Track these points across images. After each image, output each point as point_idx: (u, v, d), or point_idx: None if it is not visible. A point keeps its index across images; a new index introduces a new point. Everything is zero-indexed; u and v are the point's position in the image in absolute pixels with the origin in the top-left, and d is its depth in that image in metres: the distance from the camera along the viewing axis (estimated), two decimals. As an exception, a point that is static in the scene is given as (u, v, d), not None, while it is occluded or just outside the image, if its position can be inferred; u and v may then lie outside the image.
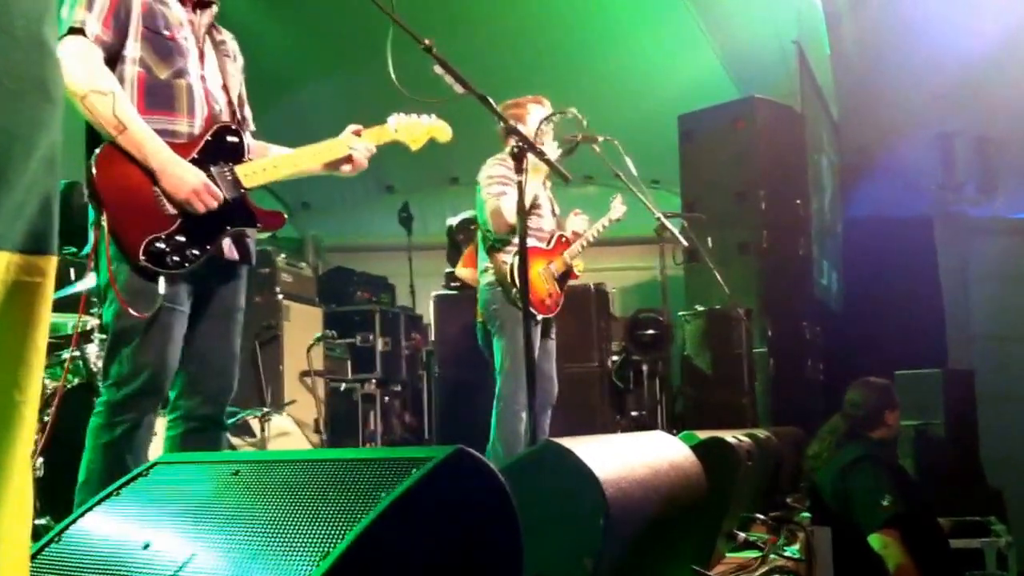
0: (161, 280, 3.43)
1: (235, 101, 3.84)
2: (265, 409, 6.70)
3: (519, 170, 4.30)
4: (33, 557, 2.12)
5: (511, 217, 5.83)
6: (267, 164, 3.74)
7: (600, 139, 5.89)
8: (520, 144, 4.28)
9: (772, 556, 4.17)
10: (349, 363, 9.73)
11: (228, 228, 3.62)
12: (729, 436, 4.17)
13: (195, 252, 3.49)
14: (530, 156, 4.59)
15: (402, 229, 10.99)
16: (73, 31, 3.38)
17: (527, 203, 4.58)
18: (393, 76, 3.77)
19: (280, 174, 3.80)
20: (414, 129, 4.12)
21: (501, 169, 6.04)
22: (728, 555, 4.18)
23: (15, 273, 1.51)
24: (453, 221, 9.31)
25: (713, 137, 9.21)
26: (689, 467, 3.26)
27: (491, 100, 4.04)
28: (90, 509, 2.32)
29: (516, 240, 5.86)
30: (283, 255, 9.07)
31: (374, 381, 9.68)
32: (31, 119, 1.54)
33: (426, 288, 9.90)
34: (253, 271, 3.98)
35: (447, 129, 4.23)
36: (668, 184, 10.72)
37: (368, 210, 13.63)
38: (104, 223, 3.34)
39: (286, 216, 3.90)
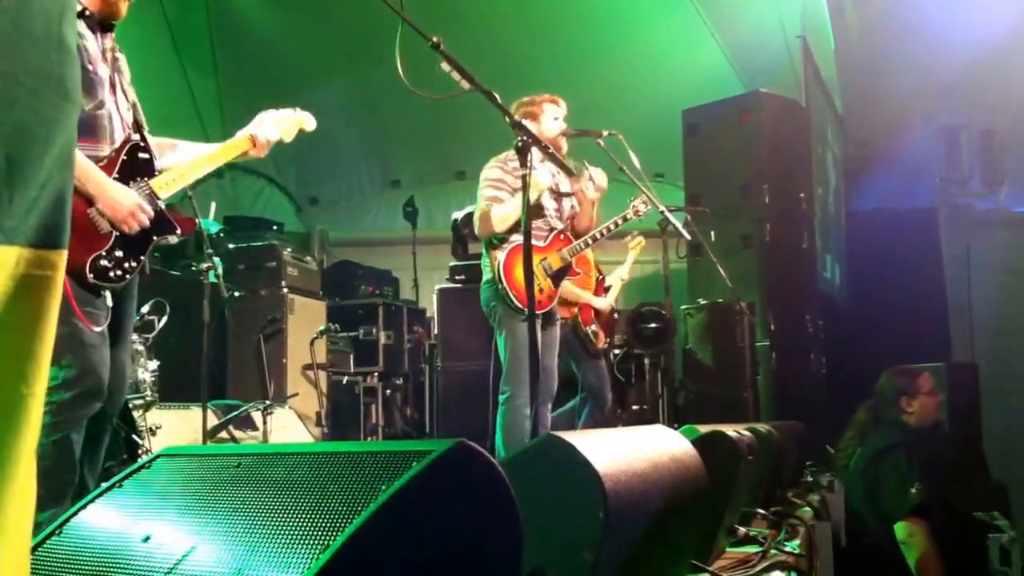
0: (108, 294, 3.69)
1: (134, 113, 3.96)
2: (267, 402, 6.70)
3: (523, 164, 4.29)
4: (34, 550, 2.12)
5: (497, 226, 5.94)
6: (176, 174, 3.96)
7: (605, 133, 5.86)
8: (524, 139, 4.27)
9: (773, 551, 4.17)
10: (352, 356, 9.75)
11: (155, 238, 3.85)
12: (730, 430, 4.15)
13: (132, 264, 3.73)
14: (534, 176, 4.62)
15: (407, 223, 11.00)
16: None
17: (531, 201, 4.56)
18: (401, 73, 3.80)
19: (190, 179, 4.02)
20: (285, 123, 4.31)
21: (498, 172, 6.05)
22: (729, 549, 4.17)
23: (25, 267, 1.52)
24: (458, 215, 9.30)
25: (717, 131, 9.21)
26: (690, 461, 3.23)
27: (497, 96, 4.04)
28: (91, 501, 2.33)
29: (512, 237, 5.91)
30: (289, 249, 9.08)
31: (376, 374, 9.70)
32: (49, 116, 1.56)
33: (430, 282, 9.93)
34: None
35: (311, 119, 4.41)
36: (672, 178, 10.72)
37: (374, 204, 13.67)
38: None
39: (197, 221, 4.26)
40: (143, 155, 3.85)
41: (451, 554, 2.01)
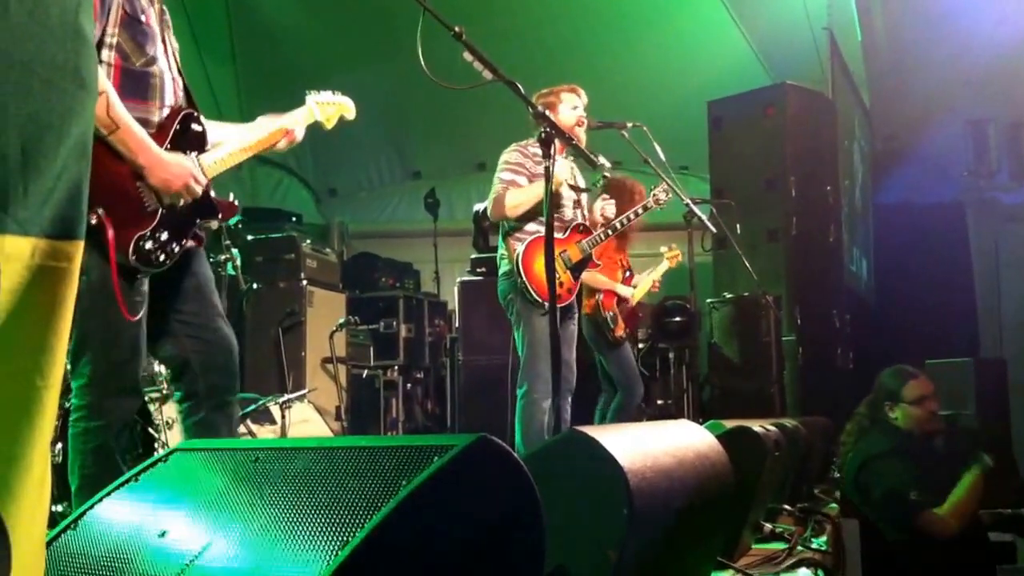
0: (146, 280, 3.44)
1: (186, 85, 3.74)
2: (286, 396, 6.67)
3: (547, 155, 4.24)
4: (49, 544, 2.11)
5: (509, 211, 5.86)
6: (225, 156, 3.71)
7: (629, 125, 5.86)
8: (547, 129, 4.22)
9: (799, 548, 4.12)
10: (372, 349, 9.70)
11: (197, 220, 3.61)
12: (756, 425, 4.12)
13: (175, 247, 3.48)
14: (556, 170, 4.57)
15: (428, 215, 10.96)
16: None
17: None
18: (423, 63, 3.73)
19: (233, 162, 3.76)
20: (329, 108, 4.13)
21: (518, 156, 5.99)
22: (754, 546, 4.13)
23: (40, 258, 1.51)
24: (480, 207, 9.28)
25: (743, 123, 9.16)
26: (715, 457, 3.21)
27: (520, 86, 3.98)
28: (107, 495, 2.31)
29: (528, 227, 5.85)
30: (308, 241, 9.04)
31: (396, 368, 9.66)
32: (64, 107, 1.55)
33: (451, 274, 9.89)
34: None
35: (351, 105, 4.21)
36: (697, 170, 10.67)
37: (395, 196, 13.68)
38: (92, 220, 3.21)
39: (238, 204, 3.89)
40: (196, 127, 3.61)
41: (472, 551, 1.99)
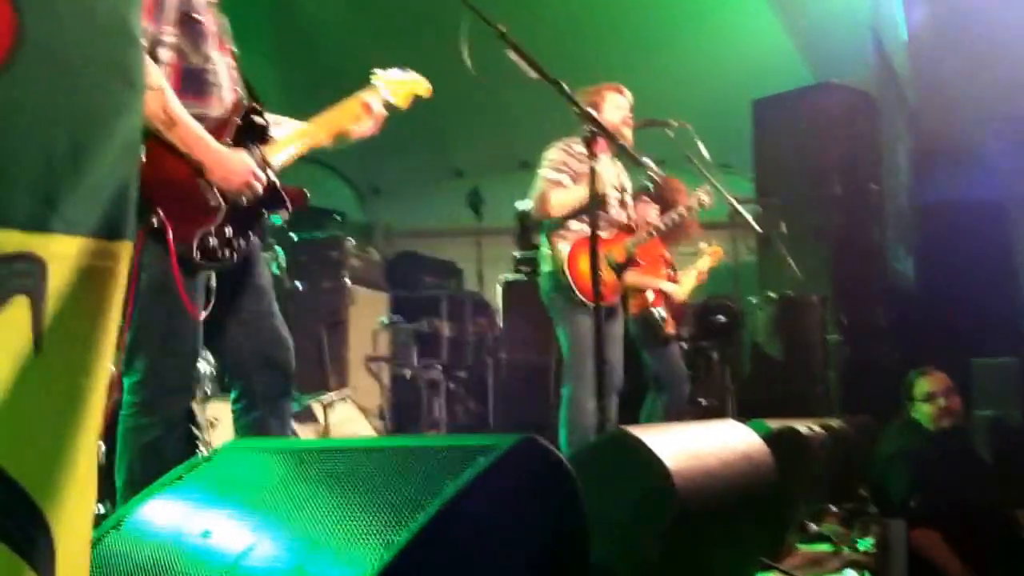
0: (212, 275, 3.43)
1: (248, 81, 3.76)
2: (329, 396, 6.67)
3: (592, 155, 4.22)
4: (94, 545, 2.10)
5: (554, 210, 5.83)
6: (287, 142, 3.71)
7: (674, 124, 5.85)
8: (592, 129, 4.21)
9: (845, 549, 4.10)
10: (415, 349, 9.66)
11: (265, 212, 3.60)
12: (802, 426, 4.11)
13: (241, 242, 3.48)
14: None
15: (471, 213, 10.93)
16: None
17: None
18: (467, 61, 3.77)
19: (300, 150, 3.74)
20: (399, 87, 4.06)
21: (562, 155, 5.96)
22: (799, 547, 4.11)
23: (88, 258, 1.51)
24: (522, 205, 9.25)
25: (787, 122, 9.14)
26: (760, 457, 3.24)
27: (565, 85, 3.98)
28: (151, 495, 2.32)
29: (572, 226, 5.83)
30: (351, 240, 9.03)
31: (439, 367, 9.62)
32: (112, 105, 1.55)
33: (494, 273, 9.87)
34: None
35: (426, 84, 4.13)
36: (740, 169, 10.59)
37: (438, 195, 13.61)
38: (154, 222, 3.22)
39: (307, 193, 3.80)
40: (259, 119, 3.60)
41: (516, 552, 2.01)
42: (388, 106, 4.02)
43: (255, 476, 2.27)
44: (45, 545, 1.46)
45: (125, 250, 1.57)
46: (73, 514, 1.51)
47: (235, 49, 3.73)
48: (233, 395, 3.72)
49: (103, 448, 4.02)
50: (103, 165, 1.52)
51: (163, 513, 2.24)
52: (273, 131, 3.71)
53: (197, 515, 2.16)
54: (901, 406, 5.85)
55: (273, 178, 3.59)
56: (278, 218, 3.88)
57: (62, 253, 1.47)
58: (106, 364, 1.56)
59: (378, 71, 4.06)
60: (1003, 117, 10.67)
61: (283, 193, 3.63)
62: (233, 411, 3.72)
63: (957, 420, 5.91)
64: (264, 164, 3.56)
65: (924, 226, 11.57)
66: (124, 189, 1.57)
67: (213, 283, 3.44)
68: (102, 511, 3.90)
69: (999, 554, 5.50)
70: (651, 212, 6.33)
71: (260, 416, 3.64)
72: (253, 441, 2.92)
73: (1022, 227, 10.75)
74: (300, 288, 8.01)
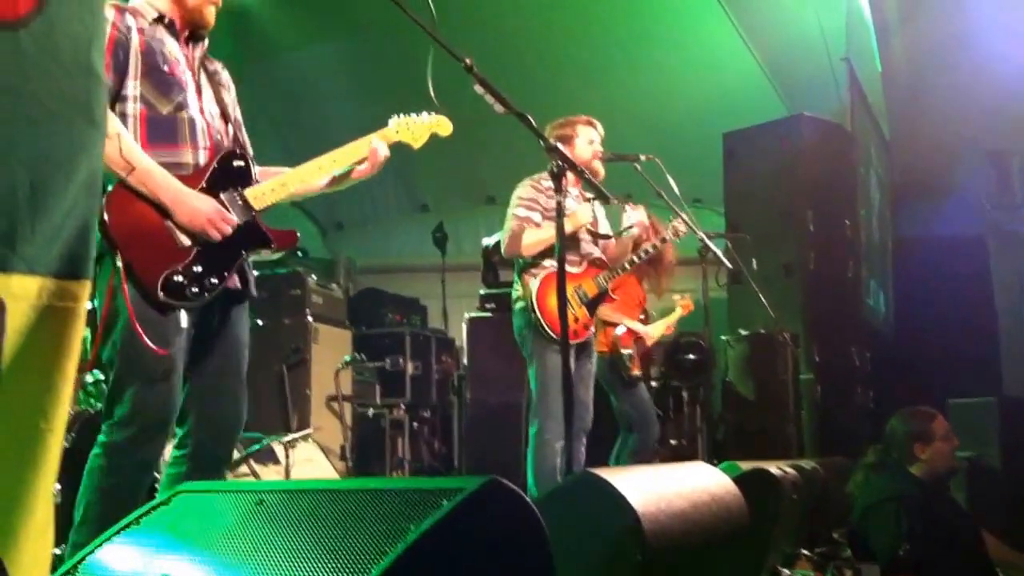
0: (183, 314, 3.47)
1: (235, 129, 3.85)
2: (290, 436, 6.59)
3: (558, 189, 4.13)
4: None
5: (526, 249, 5.84)
6: (275, 184, 3.76)
7: (642, 158, 5.80)
8: (560, 163, 4.09)
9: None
10: (378, 387, 9.65)
11: (243, 252, 3.65)
12: (773, 467, 4.13)
13: (213, 281, 3.52)
14: (574, 212, 4.35)
15: (436, 249, 10.85)
16: None
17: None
18: (433, 96, 3.81)
19: (288, 191, 3.80)
20: (415, 129, 4.12)
21: (532, 192, 5.95)
22: (771, 591, 4.05)
23: (47, 298, 1.51)
24: (489, 241, 9.18)
25: (759, 155, 9.10)
26: (731, 500, 3.28)
27: (532, 119, 3.93)
28: (108, 539, 2.31)
29: (544, 263, 5.74)
30: (313, 276, 9.03)
31: (403, 406, 9.65)
32: (74, 143, 1.56)
33: (459, 310, 9.79)
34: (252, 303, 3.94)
35: (447, 123, 4.18)
36: (711, 203, 10.56)
37: (402, 230, 13.69)
38: (120, 264, 3.33)
39: (298, 233, 3.89)
40: (238, 163, 3.69)
41: None
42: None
43: (214, 519, 2.25)
44: (2, 590, 1.42)
45: (84, 290, 1.58)
46: (30, 558, 1.52)
47: (230, 99, 3.89)
48: (175, 440, 3.72)
49: (59, 488, 3.91)
50: (64, 204, 1.52)
51: (120, 557, 2.22)
52: (261, 176, 3.80)
53: (155, 559, 2.14)
54: (883, 448, 5.71)
55: (255, 217, 3.67)
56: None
57: (21, 293, 1.47)
58: (65, 406, 1.57)
59: (399, 115, 4.14)
60: (979, 150, 10.70)
61: (266, 232, 3.68)
62: (171, 455, 3.74)
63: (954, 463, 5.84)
64: (247, 206, 3.65)
65: (899, 262, 11.59)
66: (85, 227, 1.58)
67: (184, 323, 3.47)
68: (58, 553, 3.84)
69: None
70: (635, 216, 6.23)
71: (187, 474, 3.64)
72: (211, 483, 2.87)
73: (999, 263, 10.75)
74: (260, 325, 7.86)
